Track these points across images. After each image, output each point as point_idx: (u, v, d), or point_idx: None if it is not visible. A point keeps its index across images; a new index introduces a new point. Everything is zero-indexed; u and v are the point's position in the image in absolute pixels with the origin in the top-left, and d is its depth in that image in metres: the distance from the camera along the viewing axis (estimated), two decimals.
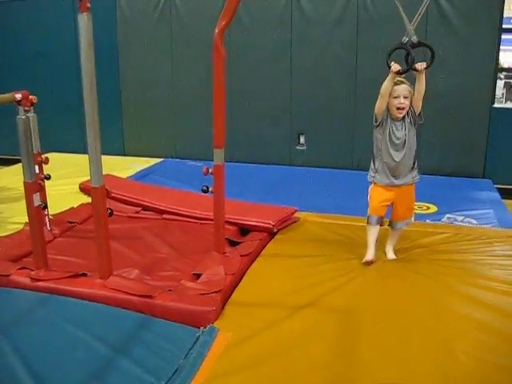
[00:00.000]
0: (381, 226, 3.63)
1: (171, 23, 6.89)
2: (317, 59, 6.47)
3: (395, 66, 3.25)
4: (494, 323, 2.81)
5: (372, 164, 3.59)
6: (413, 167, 3.54)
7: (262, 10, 6.52)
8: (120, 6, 7.00)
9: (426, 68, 3.29)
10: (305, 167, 6.67)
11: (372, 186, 3.61)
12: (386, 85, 3.32)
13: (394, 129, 3.43)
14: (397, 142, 3.44)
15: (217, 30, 3.20)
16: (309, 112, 6.66)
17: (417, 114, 3.44)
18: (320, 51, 6.44)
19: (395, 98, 3.36)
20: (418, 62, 3.30)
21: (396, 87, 3.34)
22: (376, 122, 3.46)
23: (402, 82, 3.36)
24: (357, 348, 2.59)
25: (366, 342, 2.63)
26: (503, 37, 6.14)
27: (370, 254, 3.56)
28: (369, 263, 3.53)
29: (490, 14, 5.91)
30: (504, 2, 5.92)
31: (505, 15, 6.10)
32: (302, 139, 6.76)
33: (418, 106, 3.41)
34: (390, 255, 3.68)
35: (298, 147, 6.81)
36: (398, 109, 3.37)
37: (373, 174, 3.57)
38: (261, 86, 6.74)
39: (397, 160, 3.45)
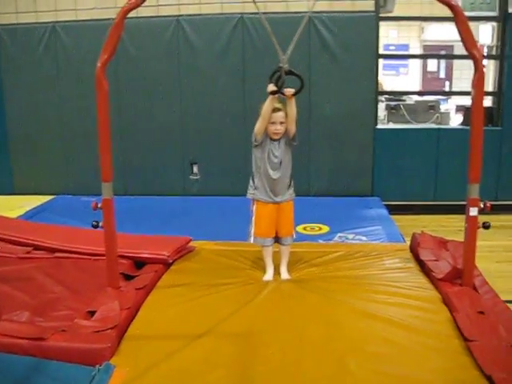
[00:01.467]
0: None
1: (57, 57, 6.74)
2: (206, 89, 6.55)
3: (270, 87, 3.41)
4: (386, 334, 2.93)
5: (251, 181, 3.76)
6: (289, 185, 3.74)
7: (149, 40, 6.53)
8: (2, 39, 6.76)
9: (293, 94, 3.46)
10: (199, 196, 6.70)
11: (255, 205, 3.75)
12: (266, 106, 3.48)
13: (273, 148, 3.62)
14: (275, 160, 3.62)
15: (99, 64, 3.19)
16: (201, 141, 6.72)
17: (290, 137, 3.61)
18: (208, 81, 6.53)
19: (272, 123, 3.54)
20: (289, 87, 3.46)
21: (273, 114, 3.51)
22: (256, 141, 3.61)
23: (279, 110, 3.52)
24: (253, 372, 2.62)
25: (262, 365, 2.67)
26: (384, 62, 6.49)
27: (268, 275, 3.76)
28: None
29: (367, 41, 6.25)
30: (379, 30, 6.26)
31: (384, 42, 6.46)
32: (195, 169, 6.80)
33: (291, 129, 3.59)
34: (285, 276, 3.77)
35: (191, 177, 6.84)
36: (274, 133, 3.57)
37: (252, 191, 3.74)
38: (151, 117, 6.72)
39: (274, 178, 3.63)
